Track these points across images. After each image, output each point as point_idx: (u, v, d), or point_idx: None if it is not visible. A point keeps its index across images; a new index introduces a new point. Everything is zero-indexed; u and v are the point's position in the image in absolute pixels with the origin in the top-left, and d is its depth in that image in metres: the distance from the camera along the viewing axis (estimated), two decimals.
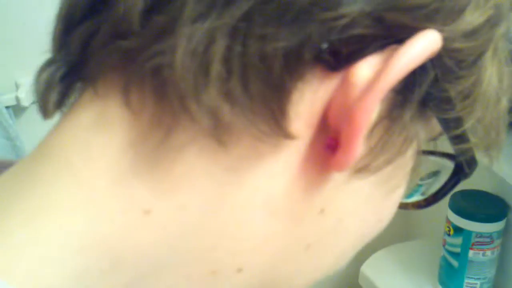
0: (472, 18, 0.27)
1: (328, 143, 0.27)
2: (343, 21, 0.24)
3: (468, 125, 0.29)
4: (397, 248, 1.36)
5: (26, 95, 1.27)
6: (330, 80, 0.26)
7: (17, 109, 1.32)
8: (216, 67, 0.24)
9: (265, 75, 0.24)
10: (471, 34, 0.27)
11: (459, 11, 0.26)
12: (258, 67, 0.24)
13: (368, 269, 1.30)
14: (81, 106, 0.28)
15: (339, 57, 0.25)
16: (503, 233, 1.09)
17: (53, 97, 0.28)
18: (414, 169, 0.32)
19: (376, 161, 0.28)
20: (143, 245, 0.27)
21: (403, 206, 0.37)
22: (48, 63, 0.29)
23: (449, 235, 1.12)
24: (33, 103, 1.30)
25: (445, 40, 0.26)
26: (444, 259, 1.15)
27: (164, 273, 0.28)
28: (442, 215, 1.14)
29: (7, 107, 1.28)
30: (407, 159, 0.30)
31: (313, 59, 0.25)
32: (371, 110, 0.25)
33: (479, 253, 1.09)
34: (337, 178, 0.29)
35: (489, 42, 0.28)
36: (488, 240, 1.07)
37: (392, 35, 0.25)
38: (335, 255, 0.33)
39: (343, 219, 0.31)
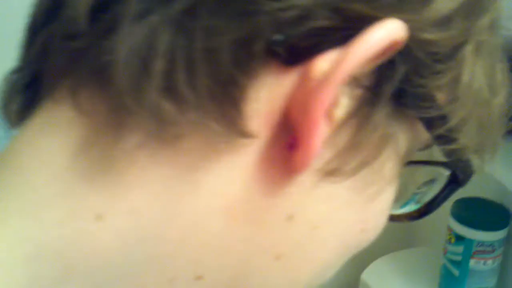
0: (441, 5, 0.25)
1: (290, 142, 0.26)
2: (294, 12, 0.23)
3: (453, 123, 0.28)
4: (398, 256, 1.35)
5: None
6: (287, 77, 0.25)
7: None
8: (158, 63, 0.23)
9: (213, 70, 0.23)
10: (443, 23, 0.25)
11: None
12: (205, 61, 0.23)
13: (368, 276, 1.29)
14: (37, 111, 0.27)
15: (296, 52, 0.24)
16: (505, 242, 1.07)
17: (15, 106, 0.28)
18: (405, 178, 0.30)
19: (347, 163, 0.26)
20: (97, 252, 0.26)
21: (396, 218, 0.35)
22: (12, 72, 0.29)
23: (450, 243, 1.11)
24: None
25: (413, 30, 0.24)
26: (444, 267, 1.14)
27: (119, 283, 0.27)
28: (443, 223, 1.13)
29: None
30: (385, 163, 0.29)
31: (265, 53, 0.24)
32: (326, 100, 0.24)
33: (480, 262, 1.07)
34: (305, 182, 0.27)
35: (467, 33, 0.26)
36: (489, 249, 1.06)
37: (352, 27, 0.24)
38: (314, 266, 0.31)
39: (318, 227, 0.29)
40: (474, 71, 0.28)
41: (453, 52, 0.26)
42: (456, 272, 1.10)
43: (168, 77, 0.23)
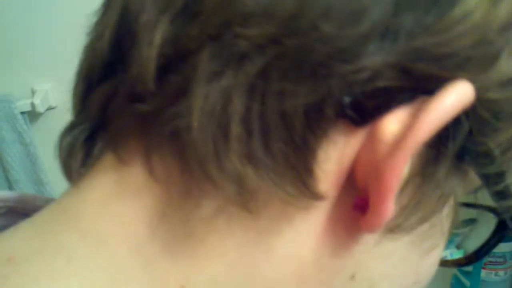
0: (507, 66, 0.24)
1: (357, 202, 0.26)
2: (365, 74, 0.22)
3: (510, 180, 0.27)
4: None
5: (42, 101, 1.29)
6: (355, 136, 0.25)
7: (32, 115, 1.34)
8: (235, 129, 0.23)
9: (287, 134, 0.23)
10: (508, 83, 0.25)
11: (493, 59, 0.24)
12: (279, 126, 0.23)
13: None
14: (103, 171, 0.27)
15: (363, 112, 0.24)
16: None
17: (77, 162, 0.28)
18: (452, 224, 0.30)
19: (409, 220, 0.26)
20: None
21: (442, 263, 0.35)
22: (70, 127, 0.28)
23: None
24: (48, 109, 1.32)
25: (478, 90, 0.24)
26: (455, 278, 1.12)
27: None
28: None
29: (22, 113, 1.30)
30: (444, 217, 0.29)
31: (335, 115, 0.23)
32: (401, 169, 0.24)
33: (491, 273, 1.06)
34: (368, 240, 0.27)
35: None
36: (501, 260, 1.04)
37: (420, 86, 0.23)
38: None
39: (375, 284, 0.29)
40: None
41: None
42: (467, 282, 1.09)
43: (245, 142, 0.23)
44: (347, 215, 0.26)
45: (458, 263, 0.36)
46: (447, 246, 0.34)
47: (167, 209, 0.25)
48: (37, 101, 1.29)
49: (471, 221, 0.32)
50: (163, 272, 0.26)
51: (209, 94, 0.23)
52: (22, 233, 0.27)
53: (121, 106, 0.26)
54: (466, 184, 0.28)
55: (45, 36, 1.29)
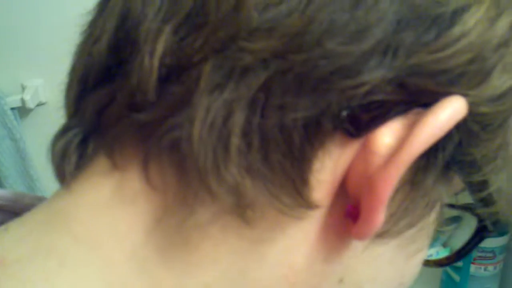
0: (499, 82, 0.25)
1: (349, 210, 0.26)
2: (364, 89, 0.23)
3: (493, 188, 0.28)
4: None
5: (32, 97, 1.28)
6: (350, 147, 0.25)
7: (22, 111, 1.33)
8: (236, 141, 0.23)
9: (285, 146, 0.23)
10: (498, 98, 0.25)
11: (485, 75, 0.25)
12: (278, 139, 0.23)
13: None
14: (97, 175, 0.27)
15: (359, 124, 0.24)
16: (506, 248, 1.06)
17: (71, 165, 0.28)
18: (437, 225, 0.31)
19: (397, 226, 0.27)
20: None
21: (425, 263, 0.35)
22: (63, 130, 0.28)
23: None
24: (38, 105, 1.32)
25: (471, 104, 0.24)
26: (445, 273, 1.13)
27: None
28: None
29: (12, 109, 1.28)
30: (430, 221, 0.29)
31: (333, 127, 0.24)
32: (394, 181, 0.24)
33: (481, 268, 1.06)
34: (357, 246, 0.28)
35: None
36: (490, 255, 1.05)
37: (415, 100, 0.24)
38: None
39: (362, 286, 0.30)
40: None
41: (502, 122, 0.27)
42: (457, 277, 1.09)
43: (245, 155, 0.23)
44: (339, 222, 0.27)
45: (440, 263, 0.36)
46: (433, 245, 0.35)
47: (162, 215, 0.26)
48: (27, 97, 1.28)
49: (456, 219, 0.32)
50: (157, 277, 0.26)
51: (211, 106, 0.23)
52: (13, 234, 0.27)
53: (119, 113, 0.26)
54: (452, 187, 0.29)
55: (35, 32, 1.28)
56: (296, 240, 0.26)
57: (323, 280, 0.28)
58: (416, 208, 0.27)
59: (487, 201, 0.29)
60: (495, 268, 1.06)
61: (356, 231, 0.26)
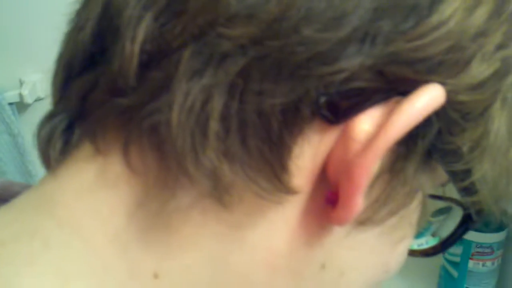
0: (478, 71, 0.25)
1: (328, 196, 0.27)
2: (342, 76, 0.23)
3: (476, 177, 0.28)
4: None
5: (30, 92, 1.29)
6: (330, 134, 0.25)
7: (20, 106, 1.33)
8: (214, 125, 0.23)
9: (264, 131, 0.24)
10: (477, 87, 0.26)
11: (464, 64, 0.25)
12: (256, 124, 0.24)
13: None
14: (81, 161, 0.28)
15: (338, 111, 0.24)
16: (504, 244, 1.06)
17: (56, 151, 0.28)
18: (422, 216, 0.31)
19: (378, 213, 0.27)
20: None
21: (411, 253, 0.36)
22: (49, 117, 0.29)
23: None
24: (36, 100, 1.32)
25: (449, 93, 0.25)
26: (443, 268, 1.13)
27: None
28: None
29: (10, 104, 1.29)
30: (413, 210, 0.29)
31: (311, 114, 0.24)
32: (371, 167, 0.24)
33: (479, 264, 1.06)
34: (338, 232, 0.28)
35: (496, 93, 0.27)
36: (488, 250, 1.05)
37: (394, 88, 0.24)
38: None
39: (345, 273, 0.30)
40: (499, 126, 0.28)
41: (483, 111, 0.27)
42: (455, 273, 1.09)
43: (223, 140, 0.24)
44: (319, 208, 0.27)
45: (425, 253, 0.37)
46: (423, 234, 0.36)
47: (144, 198, 0.26)
48: (25, 92, 1.28)
49: (446, 210, 0.32)
50: (138, 259, 0.26)
51: (190, 92, 0.23)
52: None
53: (101, 98, 0.26)
54: (435, 179, 0.29)
55: (33, 27, 1.28)
56: (276, 225, 0.27)
57: (305, 265, 0.28)
58: (397, 197, 0.27)
59: (470, 191, 0.29)
60: (493, 263, 1.06)
61: (335, 217, 0.26)
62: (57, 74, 0.29)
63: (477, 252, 1.05)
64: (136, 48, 0.24)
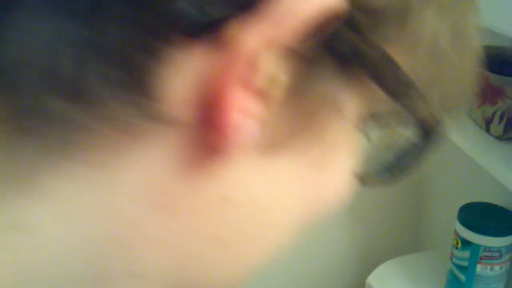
0: None
1: (209, 122, 0.24)
2: None
3: (418, 85, 0.26)
4: (404, 260, 1.34)
5: None
6: (196, 51, 0.22)
7: None
8: (64, 62, 0.21)
9: (125, 61, 0.21)
10: None
11: None
12: (116, 54, 0.21)
13: (373, 281, 1.28)
14: None
15: (201, 24, 0.21)
16: None
17: None
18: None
19: (285, 136, 0.25)
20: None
21: (361, 182, 0.32)
22: None
23: (456, 248, 1.10)
24: None
25: None
26: (451, 272, 1.13)
27: None
28: (451, 227, 1.12)
29: None
30: (336, 130, 0.27)
31: (181, 36, 0.21)
32: (239, 73, 0.22)
33: (487, 268, 1.07)
34: (239, 160, 0.25)
35: None
36: (496, 254, 1.06)
37: None
38: (263, 248, 0.29)
39: (260, 207, 0.27)
40: (437, 33, 0.26)
41: (408, 17, 0.25)
42: (462, 277, 1.10)
43: (76, 77, 0.21)
44: (203, 135, 0.24)
45: (371, 182, 0.32)
46: None
47: None
48: None
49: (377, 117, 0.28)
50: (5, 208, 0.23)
51: (36, 27, 0.21)
52: None
53: None
54: (370, 98, 0.27)
55: None
56: (152, 160, 0.24)
57: (200, 199, 0.25)
58: (307, 115, 0.25)
59: (416, 102, 0.26)
60: (501, 268, 1.06)
61: (221, 143, 0.23)
62: None
63: (485, 256, 1.05)
64: None
